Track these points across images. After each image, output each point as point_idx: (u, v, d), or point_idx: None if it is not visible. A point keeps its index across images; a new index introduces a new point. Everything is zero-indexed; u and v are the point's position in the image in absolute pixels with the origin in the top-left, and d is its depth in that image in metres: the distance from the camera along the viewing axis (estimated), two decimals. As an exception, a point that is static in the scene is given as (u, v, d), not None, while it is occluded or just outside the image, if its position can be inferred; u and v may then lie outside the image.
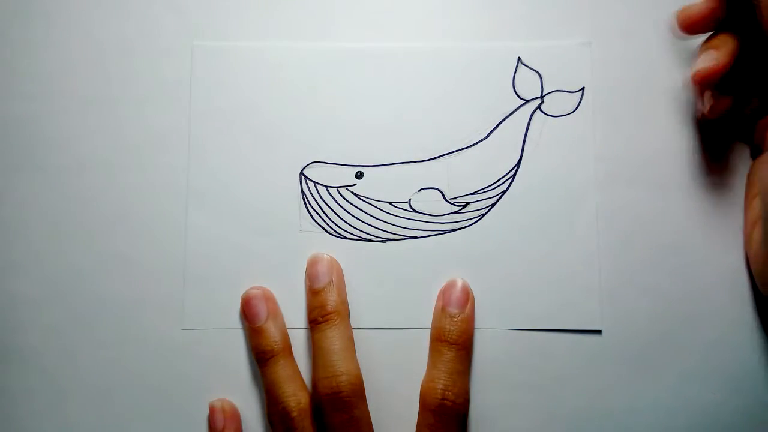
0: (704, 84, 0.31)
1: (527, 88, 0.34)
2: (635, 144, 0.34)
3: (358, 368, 0.32)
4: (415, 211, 0.34)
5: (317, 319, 0.33)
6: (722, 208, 0.34)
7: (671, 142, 0.34)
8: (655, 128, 0.34)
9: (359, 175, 0.34)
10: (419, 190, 0.34)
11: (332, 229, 0.34)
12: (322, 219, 0.34)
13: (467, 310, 0.33)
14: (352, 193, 0.34)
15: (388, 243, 0.34)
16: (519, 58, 0.34)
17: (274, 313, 0.33)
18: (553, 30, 0.35)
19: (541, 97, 0.34)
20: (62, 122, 0.35)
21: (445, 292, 0.33)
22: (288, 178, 0.34)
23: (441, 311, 0.33)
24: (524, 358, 0.33)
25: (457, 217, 0.34)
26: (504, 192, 0.34)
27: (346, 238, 0.34)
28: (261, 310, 0.33)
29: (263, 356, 0.33)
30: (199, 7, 0.35)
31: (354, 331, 0.34)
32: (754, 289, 0.33)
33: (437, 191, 0.34)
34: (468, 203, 0.34)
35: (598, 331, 0.33)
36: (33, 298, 0.34)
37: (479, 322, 0.34)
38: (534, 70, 0.34)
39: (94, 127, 0.35)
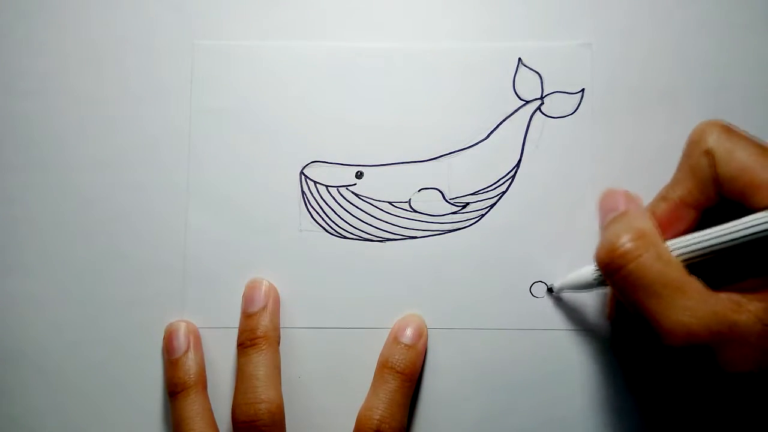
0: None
1: (527, 89, 0.34)
2: (635, 145, 0.34)
3: (279, 397, 0.31)
4: (415, 211, 0.34)
5: (245, 342, 0.32)
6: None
7: (671, 143, 0.34)
8: (655, 130, 0.34)
9: (359, 175, 0.34)
10: (419, 190, 0.34)
11: (332, 228, 0.34)
12: (322, 218, 0.34)
13: (419, 345, 0.33)
14: (353, 192, 0.34)
15: (388, 243, 0.34)
16: (519, 59, 0.34)
17: (195, 347, 0.33)
18: (553, 31, 0.35)
19: (542, 98, 0.34)
20: (62, 121, 0.35)
21: (400, 326, 0.33)
22: (288, 178, 0.34)
23: (393, 340, 0.33)
24: (524, 358, 0.33)
25: (456, 217, 0.34)
26: (504, 192, 0.34)
27: (346, 237, 0.34)
28: (180, 343, 0.33)
29: (174, 389, 0.32)
30: (199, 6, 0.35)
31: (353, 330, 0.34)
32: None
33: (437, 191, 0.34)
34: (468, 203, 0.34)
35: (597, 332, 0.33)
36: (33, 297, 0.34)
37: (480, 322, 0.34)
38: (534, 71, 0.34)
39: (93, 126, 0.35)
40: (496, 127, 0.34)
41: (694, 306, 0.25)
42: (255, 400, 0.31)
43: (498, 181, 0.34)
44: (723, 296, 0.26)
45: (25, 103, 0.35)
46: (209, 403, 0.33)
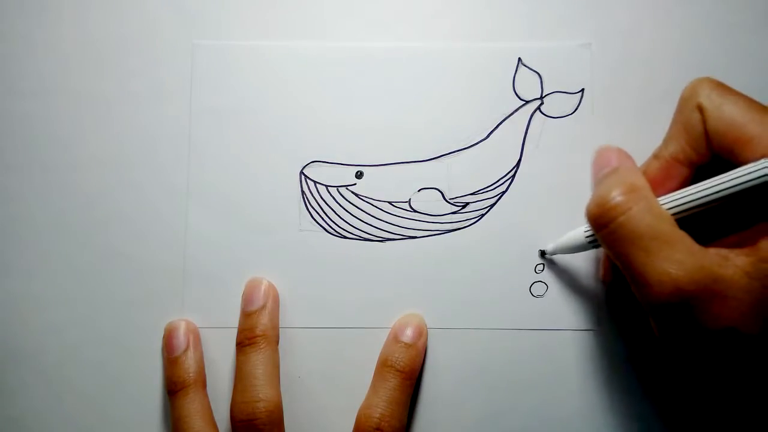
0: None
1: (527, 89, 0.34)
2: (635, 145, 0.34)
3: (278, 396, 0.31)
4: (415, 211, 0.34)
5: (243, 341, 0.32)
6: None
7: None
8: (655, 129, 0.34)
9: (359, 175, 0.34)
10: (419, 190, 0.34)
11: (332, 228, 0.34)
12: (322, 218, 0.34)
13: (419, 343, 0.33)
14: (352, 192, 0.34)
15: (388, 243, 0.34)
16: (519, 59, 0.34)
17: (195, 345, 0.33)
18: (553, 31, 0.35)
19: (541, 98, 0.34)
20: (62, 121, 0.35)
21: (400, 325, 0.33)
22: (288, 178, 0.34)
23: (393, 339, 0.33)
24: (524, 358, 0.33)
25: (456, 217, 0.34)
26: (503, 192, 0.34)
27: (345, 237, 0.34)
28: (180, 341, 0.33)
29: (173, 387, 0.32)
30: (199, 6, 0.35)
31: (353, 330, 0.34)
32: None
33: (437, 191, 0.34)
34: (468, 203, 0.34)
35: (596, 331, 0.33)
36: (33, 296, 0.34)
37: (480, 323, 0.34)
38: (534, 71, 0.34)
39: (94, 125, 0.35)
40: (496, 126, 0.34)
41: (682, 259, 0.25)
42: (253, 398, 0.31)
43: (498, 180, 0.34)
44: (711, 251, 0.26)
45: (25, 103, 0.35)
46: (208, 402, 0.33)
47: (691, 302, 0.25)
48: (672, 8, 0.35)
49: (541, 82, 0.34)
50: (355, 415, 0.32)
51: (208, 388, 0.33)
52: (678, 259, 0.25)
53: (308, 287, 0.34)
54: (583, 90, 0.34)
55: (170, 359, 0.33)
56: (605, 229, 0.27)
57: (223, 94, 0.35)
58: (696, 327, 0.25)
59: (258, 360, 0.32)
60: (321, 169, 0.35)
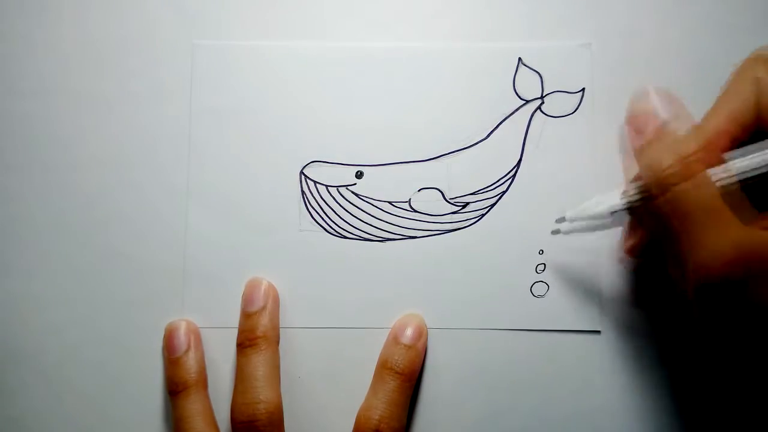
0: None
1: (527, 89, 0.34)
2: (635, 145, 0.34)
3: (278, 397, 0.31)
4: (415, 211, 0.34)
5: (244, 342, 0.32)
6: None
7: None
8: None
9: (359, 175, 0.34)
10: (419, 190, 0.34)
11: (332, 228, 0.34)
12: (322, 218, 0.34)
13: (419, 344, 0.33)
14: (352, 192, 0.34)
15: (388, 243, 0.34)
16: (519, 59, 0.34)
17: (196, 345, 0.33)
18: (553, 31, 0.35)
19: (542, 97, 0.34)
20: (62, 121, 0.35)
21: (400, 325, 0.33)
22: (288, 178, 0.34)
23: (392, 340, 0.33)
24: (525, 359, 0.33)
25: (457, 217, 0.34)
26: (504, 192, 0.34)
27: (345, 237, 0.34)
28: (181, 342, 0.33)
29: (175, 388, 0.32)
30: (199, 6, 0.35)
31: (353, 330, 0.34)
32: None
33: (437, 191, 0.34)
34: (468, 203, 0.34)
35: (597, 332, 0.33)
36: (33, 296, 0.34)
37: (480, 323, 0.34)
38: (534, 71, 0.34)
39: (93, 125, 0.35)
40: (497, 126, 0.34)
41: (740, 234, 0.24)
42: (253, 400, 0.31)
43: (498, 180, 0.34)
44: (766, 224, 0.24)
45: (25, 103, 0.35)
46: (210, 403, 0.33)
47: (748, 279, 0.24)
48: (672, 8, 0.35)
49: (542, 82, 0.34)
50: (355, 416, 0.32)
51: (208, 388, 0.33)
52: (735, 234, 0.24)
53: (308, 287, 0.34)
54: (583, 90, 0.34)
55: (171, 360, 0.33)
56: (660, 198, 0.26)
57: (223, 94, 0.35)
58: (751, 306, 0.24)
59: (259, 361, 0.32)
60: (321, 169, 0.35)
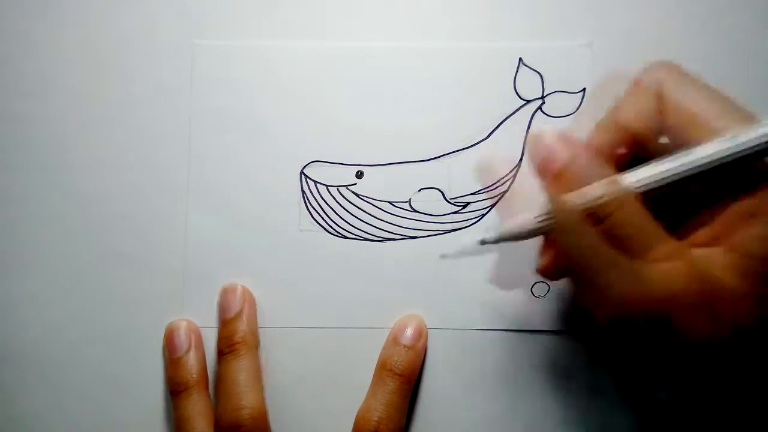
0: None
1: (528, 89, 0.34)
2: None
3: (261, 401, 0.31)
4: (416, 211, 0.34)
5: (223, 350, 0.32)
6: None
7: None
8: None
9: (359, 175, 0.34)
10: (419, 190, 0.34)
11: (332, 228, 0.34)
12: (322, 218, 0.34)
13: (419, 345, 0.33)
14: (353, 192, 0.34)
15: (388, 243, 0.34)
16: (520, 59, 0.34)
17: (197, 345, 0.33)
18: (554, 31, 0.35)
19: (542, 97, 0.34)
20: (62, 121, 0.35)
21: (400, 326, 0.33)
22: (288, 177, 0.34)
23: (392, 341, 0.33)
24: (525, 359, 0.33)
25: (457, 217, 0.34)
26: (505, 192, 0.34)
27: (346, 237, 0.34)
28: (182, 341, 0.33)
29: (176, 388, 0.32)
30: (199, 6, 0.35)
31: (353, 330, 0.34)
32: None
33: (437, 191, 0.34)
34: (468, 203, 0.34)
35: (597, 332, 0.33)
36: (32, 296, 0.34)
37: (480, 323, 0.34)
38: (535, 71, 0.34)
39: (93, 125, 0.35)
40: (497, 126, 0.34)
41: (670, 265, 0.23)
42: (237, 406, 0.30)
43: (499, 180, 0.34)
44: (695, 251, 0.24)
45: (25, 103, 0.35)
46: (210, 403, 0.32)
47: (683, 311, 0.23)
48: (672, 8, 0.35)
49: (542, 82, 0.34)
50: (354, 417, 0.32)
51: (209, 388, 0.33)
52: (666, 266, 0.23)
53: (308, 287, 0.34)
54: (584, 90, 0.34)
55: (172, 360, 0.33)
56: (564, 238, 0.25)
57: (223, 94, 0.35)
58: (675, 342, 0.24)
59: (239, 367, 0.31)
60: (321, 169, 0.34)
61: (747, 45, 0.34)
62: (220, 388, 0.32)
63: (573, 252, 0.25)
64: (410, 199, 0.34)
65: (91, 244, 0.34)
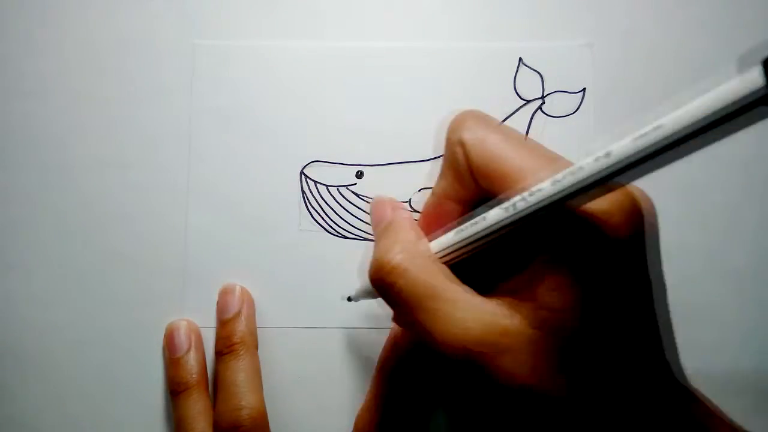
0: None
1: (528, 89, 0.34)
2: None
3: (261, 401, 0.31)
4: (416, 211, 0.34)
5: (222, 350, 0.32)
6: (722, 207, 0.34)
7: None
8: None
9: (360, 175, 0.34)
10: (419, 190, 0.34)
11: (332, 228, 0.34)
12: (322, 218, 0.34)
13: None
14: (353, 192, 0.34)
15: (388, 243, 0.34)
16: (520, 59, 0.34)
17: (197, 346, 0.33)
18: (554, 31, 0.35)
19: (542, 97, 0.34)
20: (62, 121, 0.35)
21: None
22: (288, 177, 0.34)
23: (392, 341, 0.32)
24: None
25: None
26: None
27: (346, 237, 0.34)
28: (182, 341, 0.33)
29: (176, 388, 0.32)
30: (200, 6, 0.35)
31: (352, 330, 0.34)
32: (754, 290, 0.34)
33: (437, 191, 0.34)
34: (468, 203, 0.34)
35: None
36: (33, 296, 0.34)
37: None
38: (535, 71, 0.34)
39: (93, 125, 0.35)
40: (497, 126, 0.34)
41: (464, 317, 0.23)
42: (236, 406, 0.30)
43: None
44: (494, 302, 0.24)
45: (25, 103, 0.35)
46: (210, 403, 0.32)
47: (480, 361, 0.23)
48: (672, 8, 0.35)
49: (542, 82, 0.34)
50: (354, 416, 0.32)
51: (209, 388, 0.33)
52: (460, 318, 0.23)
53: (308, 287, 0.34)
54: (584, 90, 0.34)
55: (173, 360, 0.33)
56: (386, 294, 0.25)
57: (223, 94, 0.35)
58: (491, 386, 0.23)
59: (238, 367, 0.31)
60: (321, 169, 0.34)
61: (747, 45, 0.34)
62: (219, 388, 0.32)
63: (410, 298, 0.25)
64: (410, 199, 0.34)
65: (91, 244, 0.34)
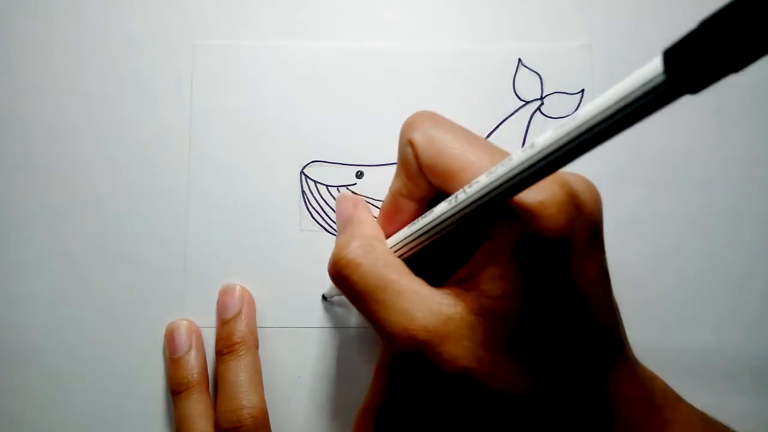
0: None
1: (527, 90, 0.34)
2: (635, 145, 0.34)
3: (262, 401, 0.31)
4: (415, 211, 0.34)
5: (222, 350, 0.32)
6: (722, 207, 0.34)
7: (671, 143, 0.34)
8: (655, 130, 0.34)
9: (359, 175, 0.34)
10: (419, 190, 0.34)
11: (332, 228, 0.34)
12: (322, 218, 0.34)
13: None
14: (353, 192, 0.35)
15: (388, 243, 0.34)
16: (519, 60, 0.34)
17: (197, 345, 0.33)
18: (553, 32, 0.35)
19: (541, 98, 0.34)
20: (62, 120, 0.35)
21: None
22: (288, 177, 0.34)
23: None
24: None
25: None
26: None
27: (345, 237, 0.34)
28: (182, 341, 0.33)
29: (177, 388, 0.32)
30: (199, 6, 0.35)
31: (352, 330, 0.34)
32: (754, 292, 0.34)
33: (437, 191, 0.34)
34: (468, 204, 0.34)
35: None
36: (33, 296, 0.34)
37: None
38: (534, 72, 0.34)
39: (94, 125, 0.35)
40: (496, 127, 0.34)
41: (412, 307, 0.24)
42: (237, 406, 0.30)
43: (498, 181, 0.34)
44: (441, 292, 0.24)
45: (25, 101, 0.35)
46: (211, 403, 0.33)
47: (425, 349, 0.23)
48: (672, 8, 0.35)
49: (541, 83, 0.34)
50: (354, 416, 0.32)
51: (209, 388, 0.33)
52: (407, 308, 0.24)
53: (308, 287, 0.34)
54: (583, 91, 0.34)
55: (173, 360, 0.33)
56: (343, 287, 0.26)
57: (223, 94, 0.35)
58: (434, 374, 0.24)
59: (239, 367, 0.32)
60: (321, 169, 0.35)
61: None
62: (220, 388, 0.32)
63: (364, 290, 0.26)
64: (410, 200, 0.34)
65: (92, 244, 0.34)
